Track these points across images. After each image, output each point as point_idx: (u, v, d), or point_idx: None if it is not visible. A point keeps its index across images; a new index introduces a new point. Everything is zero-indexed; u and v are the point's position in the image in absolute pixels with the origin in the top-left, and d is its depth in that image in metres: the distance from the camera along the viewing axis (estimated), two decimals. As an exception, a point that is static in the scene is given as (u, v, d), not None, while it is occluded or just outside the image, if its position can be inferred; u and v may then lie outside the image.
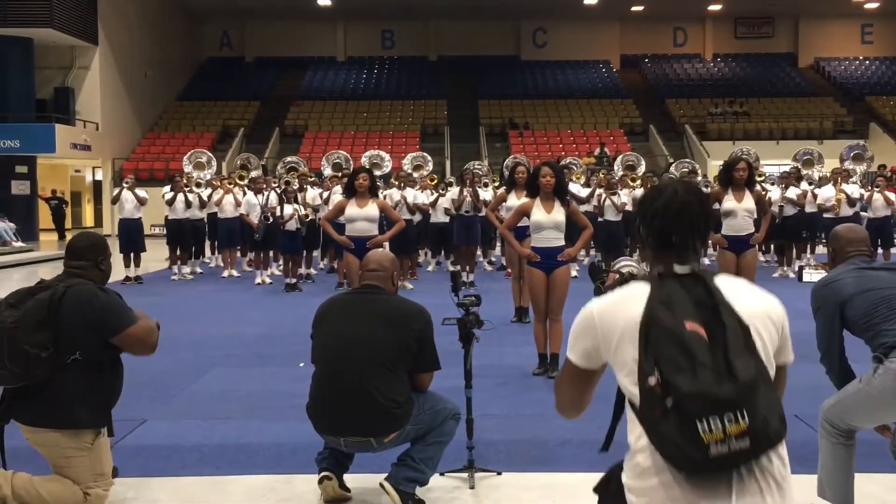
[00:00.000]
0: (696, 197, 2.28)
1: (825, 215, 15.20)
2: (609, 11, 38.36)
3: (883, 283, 3.90)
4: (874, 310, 3.86)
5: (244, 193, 15.68)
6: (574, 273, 14.29)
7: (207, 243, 17.43)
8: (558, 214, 7.25)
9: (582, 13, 38.42)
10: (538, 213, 7.27)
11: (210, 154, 20.56)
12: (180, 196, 15.48)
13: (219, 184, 16.57)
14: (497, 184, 17.77)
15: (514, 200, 9.97)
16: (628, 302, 2.18)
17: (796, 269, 15.35)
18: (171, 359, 7.88)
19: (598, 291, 2.58)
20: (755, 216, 8.76)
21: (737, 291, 2.18)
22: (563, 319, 7.29)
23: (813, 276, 4.05)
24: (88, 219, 35.32)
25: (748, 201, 8.64)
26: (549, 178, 7.25)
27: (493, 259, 17.19)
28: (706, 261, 15.98)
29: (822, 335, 4.03)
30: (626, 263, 2.67)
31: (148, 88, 33.77)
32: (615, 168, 20.34)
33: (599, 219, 14.06)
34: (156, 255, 16.87)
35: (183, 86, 37.70)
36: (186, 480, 4.83)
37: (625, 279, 2.42)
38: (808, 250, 16.65)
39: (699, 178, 17.62)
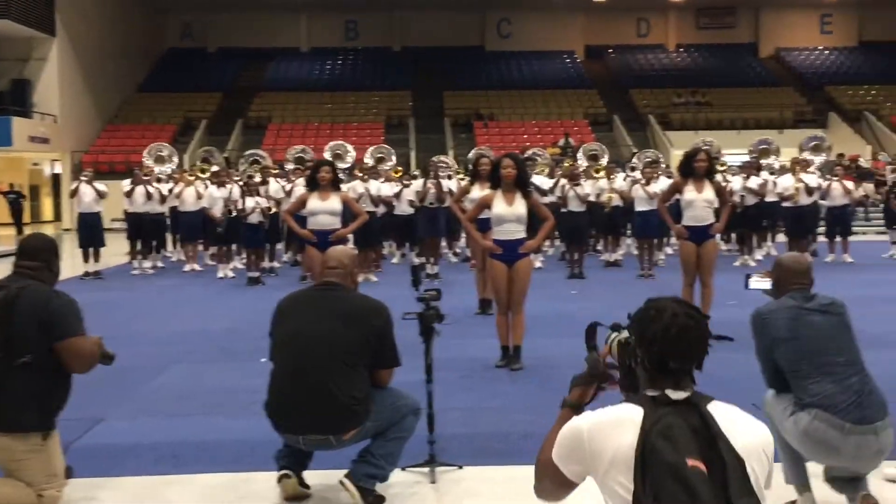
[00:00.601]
0: (695, 321, 2.22)
1: (784, 204, 15.38)
2: (573, 2, 38.44)
3: (812, 332, 3.98)
4: (797, 363, 3.99)
5: (206, 187, 15.54)
6: (538, 264, 14.36)
7: (169, 237, 17.27)
8: (520, 207, 7.28)
9: (546, 4, 38.48)
10: (499, 206, 7.29)
11: (171, 147, 20.36)
12: (140, 189, 15.31)
13: (180, 177, 16.40)
14: (462, 175, 17.77)
15: (478, 192, 9.95)
16: (620, 427, 2.12)
17: (757, 257, 15.53)
18: (130, 355, 7.76)
19: (592, 357, 2.52)
20: (715, 206, 8.83)
21: (732, 422, 2.13)
22: (525, 311, 7.31)
23: (759, 283, 4.11)
24: (47, 213, 34.81)
25: (708, 192, 8.70)
26: (511, 170, 7.28)
27: (457, 251, 17.20)
28: (668, 250, 16.11)
29: (759, 356, 4.21)
30: (616, 335, 2.50)
31: (108, 80, 33.31)
32: (579, 158, 20.40)
33: (563, 209, 14.10)
34: (116, 250, 16.67)
35: (144, 77, 37.25)
36: (144, 480, 4.77)
37: (622, 345, 2.40)
38: (769, 238, 16.86)
39: (662, 167, 17.70)
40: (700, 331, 2.21)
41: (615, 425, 2.14)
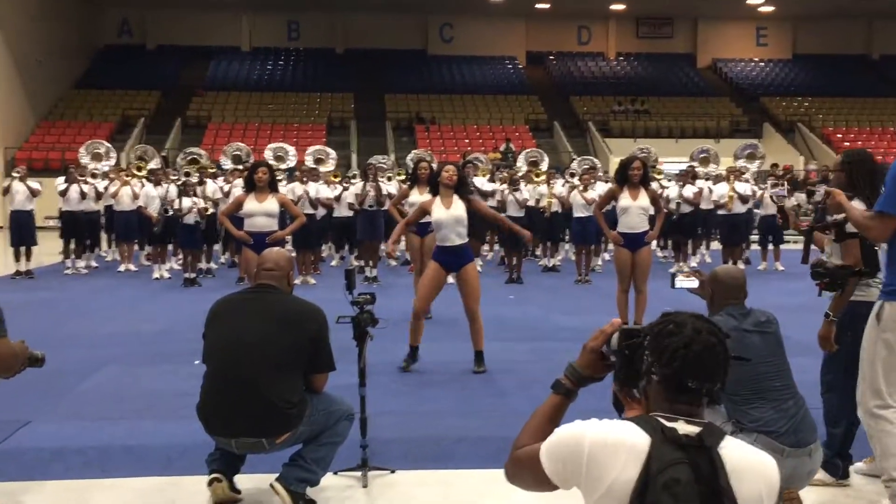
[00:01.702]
0: (717, 338, 2.09)
1: (719, 212, 15.67)
2: (515, 8, 38.69)
3: (750, 354, 3.95)
4: (736, 388, 4.01)
5: (142, 185, 15.31)
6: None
7: (104, 236, 16.97)
8: (458, 209, 7.34)
9: (488, 9, 38.66)
10: (438, 211, 7.34)
11: (108, 145, 19.94)
12: (74, 187, 15.01)
13: (116, 175, 16.13)
14: (403, 178, 17.76)
15: (417, 196, 10.00)
16: (622, 455, 2.00)
17: (692, 264, 15.80)
18: (61, 357, 7.62)
19: (624, 358, 2.23)
20: (651, 213, 8.98)
21: (741, 468, 2.02)
22: (481, 314, 7.41)
23: (684, 283, 4.17)
24: (-22, 210, 33.94)
25: (643, 199, 8.84)
26: (452, 174, 7.40)
27: (397, 254, 17.15)
28: (606, 256, 16.30)
29: None
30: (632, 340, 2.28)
31: (43, 76, 32.55)
32: (519, 164, 20.54)
33: (501, 214, 14.16)
34: (49, 249, 16.32)
35: (80, 73, 36.50)
36: (70, 484, 4.69)
37: (627, 334, 2.23)
38: (704, 246, 17.17)
39: (600, 174, 17.91)
40: (723, 350, 2.08)
41: (618, 451, 2.01)
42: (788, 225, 8.62)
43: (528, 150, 22.25)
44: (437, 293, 7.41)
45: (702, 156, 20.58)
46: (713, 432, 2.04)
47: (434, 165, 13.83)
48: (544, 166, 19.97)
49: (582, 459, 2.04)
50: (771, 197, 16.00)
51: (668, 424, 2.03)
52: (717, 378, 2.08)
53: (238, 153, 19.43)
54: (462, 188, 7.46)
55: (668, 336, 2.08)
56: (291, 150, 20.73)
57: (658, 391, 2.09)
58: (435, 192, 7.51)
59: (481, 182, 15.59)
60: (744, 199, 15.38)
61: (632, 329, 2.23)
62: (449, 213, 7.33)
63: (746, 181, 16.28)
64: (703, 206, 15.97)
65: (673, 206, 15.61)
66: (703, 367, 2.05)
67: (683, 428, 2.03)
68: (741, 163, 20.50)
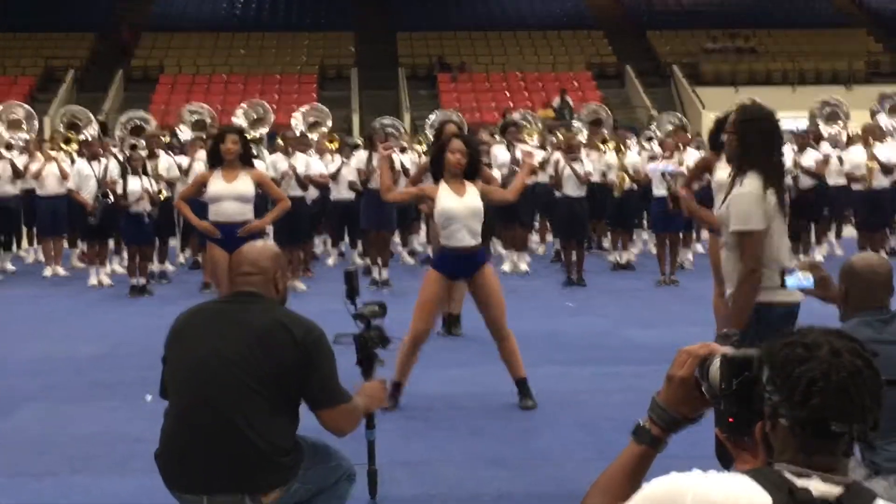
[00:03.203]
0: (864, 360, 2.03)
1: (854, 187, 15.56)
2: (572, -88, 38.69)
3: (889, 369, 3.94)
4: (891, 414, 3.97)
5: (73, 162, 15.43)
6: (523, 267, 14.51)
7: (24, 230, 17.12)
8: (472, 199, 7.38)
9: (536, -85, 38.70)
10: (447, 199, 7.36)
11: (28, 108, 20.13)
12: (-16, 166, 15.20)
13: (37, 149, 16.26)
14: (423, 147, 17.79)
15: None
16: None
17: (816, 256, 15.66)
18: (-33, 392, 7.77)
19: (735, 398, 2.18)
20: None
21: None
22: (511, 331, 7.44)
23: (799, 281, 4.26)
24: None
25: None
26: (460, 158, 7.35)
27: (415, 248, 17.22)
28: (699, 248, 16.25)
29: None
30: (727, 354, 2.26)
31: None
32: (577, 125, 20.51)
33: (557, 193, 14.18)
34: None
35: (-13, 12, 36.90)
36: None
37: (730, 362, 2.19)
38: (833, 232, 17.04)
39: (689, 138, 17.84)
40: (873, 375, 2.03)
41: None
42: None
43: (590, 106, 22.20)
44: (440, 312, 7.44)
45: (828, 110, 20.43)
46: (860, 494, 2.00)
47: (465, 128, 13.87)
48: (608, 128, 19.89)
49: None
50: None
51: (799, 483, 1.99)
52: (868, 415, 2.03)
53: (199, 117, 19.50)
54: (474, 171, 7.50)
55: (797, 363, 2.02)
56: (271, 109, 20.75)
57: (787, 438, 2.05)
58: (436, 175, 7.53)
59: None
60: (888, 168, 15.27)
61: (741, 357, 2.17)
62: (462, 203, 7.35)
63: (889, 142, 16.12)
64: (832, 179, 15.87)
65: (789, 179, 15.50)
66: (851, 403, 2.00)
67: (819, 488, 1.99)
68: (883, 119, 20.27)
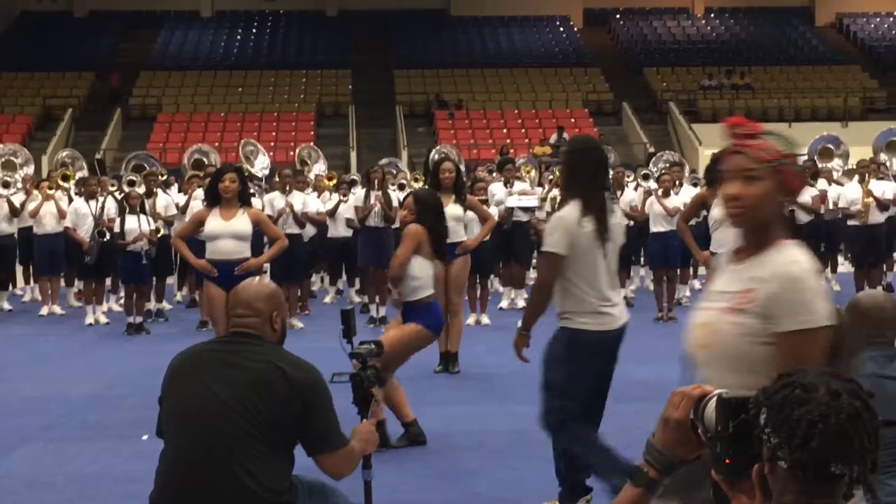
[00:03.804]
0: (862, 401, 2.05)
1: (849, 222, 15.58)
2: (567, -48, 38.95)
3: (893, 407, 3.86)
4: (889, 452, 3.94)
5: (70, 200, 15.44)
6: (505, 305, 14.49)
7: (20, 269, 17.12)
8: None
9: (531, -46, 38.96)
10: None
11: (25, 150, 20.20)
12: (-19, 205, 15.21)
13: (34, 187, 16.29)
14: (420, 181, 17.82)
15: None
16: None
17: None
18: (-37, 432, 7.74)
19: (732, 440, 2.17)
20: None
21: None
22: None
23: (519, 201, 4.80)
24: None
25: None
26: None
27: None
28: (697, 284, 16.24)
29: None
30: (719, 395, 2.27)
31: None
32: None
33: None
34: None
35: (-13, 50, 37.08)
36: None
37: (727, 405, 2.17)
38: (829, 268, 17.05)
39: (686, 174, 17.90)
40: (870, 417, 2.04)
41: None
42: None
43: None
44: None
45: (824, 145, 20.51)
46: None
47: (462, 167, 13.94)
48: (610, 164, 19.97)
49: None
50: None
51: None
52: (868, 456, 2.03)
53: (199, 156, 19.57)
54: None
55: (796, 405, 2.02)
56: (261, 148, 20.78)
57: (787, 481, 2.04)
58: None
59: (523, 199, 15.36)
60: (883, 204, 15.30)
61: (736, 398, 2.17)
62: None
63: (885, 178, 16.15)
64: (828, 214, 15.90)
65: (785, 213, 15.52)
66: (850, 445, 2.00)
67: None
68: (882, 156, 20.30)
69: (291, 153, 20.36)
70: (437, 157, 14.81)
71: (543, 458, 7.03)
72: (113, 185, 16.38)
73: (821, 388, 2.03)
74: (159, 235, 14.08)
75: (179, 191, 16.11)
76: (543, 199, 15.18)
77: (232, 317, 4.46)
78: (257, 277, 6.82)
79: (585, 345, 5.45)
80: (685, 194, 14.36)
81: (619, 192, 15.93)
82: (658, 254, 14.36)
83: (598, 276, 5.44)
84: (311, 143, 22.34)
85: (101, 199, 14.95)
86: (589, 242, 5.35)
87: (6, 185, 16.07)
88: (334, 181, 16.84)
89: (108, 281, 15.20)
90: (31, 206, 15.62)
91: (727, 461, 2.16)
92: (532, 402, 7.72)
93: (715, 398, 2.21)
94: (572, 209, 5.35)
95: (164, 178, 17.04)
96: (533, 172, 18.24)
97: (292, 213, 14.47)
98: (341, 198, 15.46)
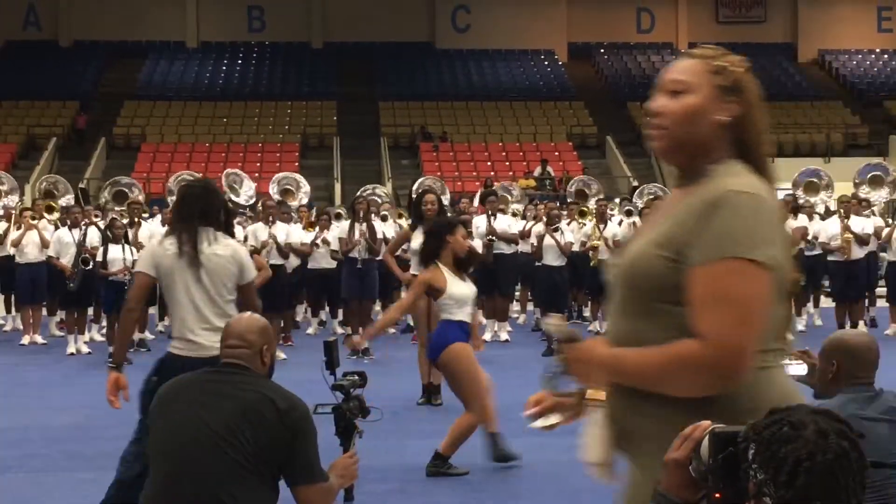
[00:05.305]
0: (850, 441, 2.04)
1: (830, 258, 15.64)
2: (553, -14, 39.18)
3: (874, 450, 3.91)
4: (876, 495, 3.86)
5: (55, 227, 15.40)
6: (504, 336, 14.49)
7: (0, 297, 17.05)
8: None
9: (516, -12, 39.17)
10: (457, 286, 7.82)
11: (10, 177, 20.15)
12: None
13: (18, 218, 16.24)
14: (405, 217, 17.84)
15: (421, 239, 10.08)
16: None
17: (797, 328, 15.70)
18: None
19: (721, 473, 2.18)
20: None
21: None
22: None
23: (790, 369, 4.13)
24: None
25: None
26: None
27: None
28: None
29: None
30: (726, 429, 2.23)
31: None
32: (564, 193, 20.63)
33: (537, 263, 14.24)
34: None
35: (-29, 79, 37.03)
36: None
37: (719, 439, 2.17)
38: (811, 303, 17.09)
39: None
40: (858, 457, 2.03)
41: None
42: None
43: (575, 179, 22.36)
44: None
45: (807, 180, 20.59)
46: None
47: (444, 198, 13.98)
48: (593, 199, 20.01)
49: None
50: None
51: None
52: (853, 496, 2.02)
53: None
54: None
55: (783, 443, 2.02)
56: (245, 177, 20.77)
57: None
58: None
59: (507, 222, 15.61)
60: (862, 239, 15.36)
61: (726, 432, 2.17)
62: (469, 288, 7.99)
63: (866, 215, 16.21)
64: (807, 249, 15.96)
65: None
66: (837, 485, 1.99)
67: None
68: (864, 191, 20.35)
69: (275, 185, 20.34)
70: (420, 189, 14.85)
71: (534, 491, 7.04)
72: (97, 216, 16.36)
73: (809, 427, 2.02)
74: (142, 265, 14.03)
75: (163, 223, 16.08)
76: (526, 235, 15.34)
77: (223, 348, 4.48)
78: (247, 312, 6.82)
79: None
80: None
81: (601, 226, 16.02)
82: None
83: (181, 309, 6.17)
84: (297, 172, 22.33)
85: (83, 227, 14.93)
86: (171, 265, 5.89)
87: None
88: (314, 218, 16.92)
89: (91, 310, 15.15)
90: (13, 236, 15.58)
91: (716, 495, 2.16)
92: (517, 435, 7.75)
93: (708, 433, 2.21)
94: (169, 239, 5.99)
95: (146, 214, 17.06)
96: (517, 205, 18.31)
97: (275, 244, 14.47)
98: (325, 232, 15.50)
